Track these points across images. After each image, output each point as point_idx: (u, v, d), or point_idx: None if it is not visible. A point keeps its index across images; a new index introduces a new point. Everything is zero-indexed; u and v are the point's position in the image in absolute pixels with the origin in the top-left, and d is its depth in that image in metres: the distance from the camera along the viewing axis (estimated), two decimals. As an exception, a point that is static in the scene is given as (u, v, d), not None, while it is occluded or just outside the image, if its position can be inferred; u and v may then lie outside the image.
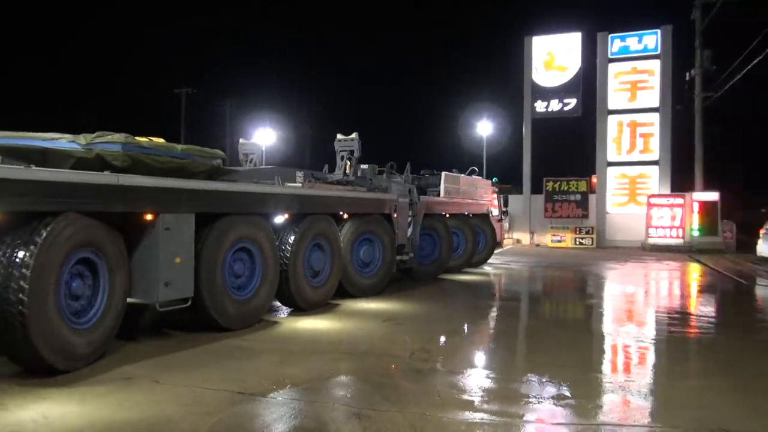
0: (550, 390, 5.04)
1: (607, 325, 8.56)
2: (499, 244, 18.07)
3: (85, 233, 5.14)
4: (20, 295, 4.52)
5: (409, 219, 11.50)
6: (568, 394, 4.95)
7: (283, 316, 8.10)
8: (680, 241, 23.11)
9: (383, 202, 10.42)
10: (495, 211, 17.58)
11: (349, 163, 10.65)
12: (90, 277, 5.36)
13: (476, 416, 4.37)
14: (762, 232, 18.01)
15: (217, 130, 42.54)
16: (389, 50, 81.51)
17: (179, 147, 6.44)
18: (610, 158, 26.39)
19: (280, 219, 8.02)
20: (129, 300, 5.77)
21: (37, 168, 4.89)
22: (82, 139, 5.60)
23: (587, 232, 24.71)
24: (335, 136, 10.42)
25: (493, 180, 21.27)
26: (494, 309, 9.94)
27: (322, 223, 8.66)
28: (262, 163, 11.36)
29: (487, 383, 5.28)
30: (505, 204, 22.64)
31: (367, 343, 6.62)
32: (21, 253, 4.61)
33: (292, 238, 7.99)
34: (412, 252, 11.61)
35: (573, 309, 10.35)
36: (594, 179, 26.67)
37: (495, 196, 17.86)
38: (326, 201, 8.90)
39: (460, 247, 14.14)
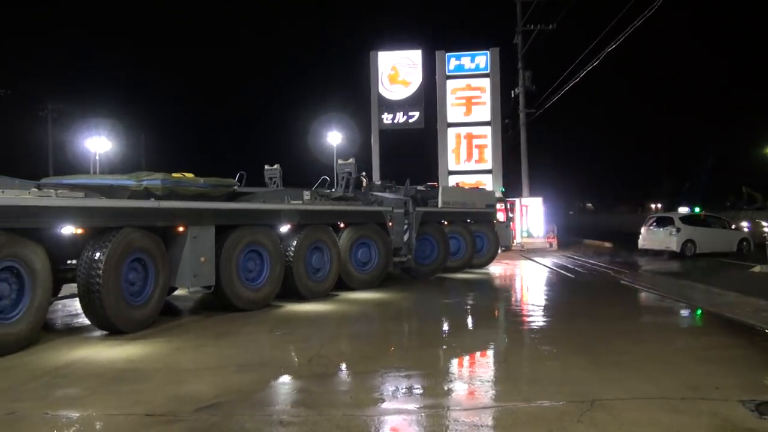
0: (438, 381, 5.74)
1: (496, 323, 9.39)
2: (508, 248, 19.95)
3: (138, 241, 7.73)
4: (98, 280, 7.12)
5: (406, 226, 13.73)
6: (458, 384, 5.80)
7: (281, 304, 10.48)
8: (514, 242, 25.14)
9: (377, 213, 12.75)
10: (501, 217, 19.58)
11: (350, 180, 13.06)
12: (142, 270, 7.94)
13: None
14: (644, 228, 20.78)
15: (38, 137, 39.61)
16: (239, 63, 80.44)
17: (202, 179, 9.03)
18: (451, 167, 28.84)
19: (284, 228, 10.43)
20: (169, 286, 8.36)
21: (108, 199, 7.56)
22: (135, 177, 8.25)
23: None
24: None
25: (501, 190, 23.28)
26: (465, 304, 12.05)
27: (320, 231, 11.03)
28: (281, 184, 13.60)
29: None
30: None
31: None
32: (98, 254, 7.22)
33: (294, 242, 10.40)
34: (410, 254, 13.81)
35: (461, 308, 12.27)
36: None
37: (502, 204, 19.90)
38: (321, 214, 11.31)
39: (460, 251, 16.14)
